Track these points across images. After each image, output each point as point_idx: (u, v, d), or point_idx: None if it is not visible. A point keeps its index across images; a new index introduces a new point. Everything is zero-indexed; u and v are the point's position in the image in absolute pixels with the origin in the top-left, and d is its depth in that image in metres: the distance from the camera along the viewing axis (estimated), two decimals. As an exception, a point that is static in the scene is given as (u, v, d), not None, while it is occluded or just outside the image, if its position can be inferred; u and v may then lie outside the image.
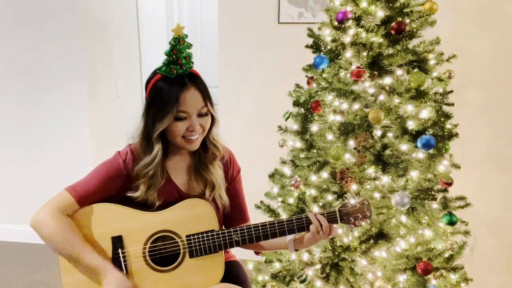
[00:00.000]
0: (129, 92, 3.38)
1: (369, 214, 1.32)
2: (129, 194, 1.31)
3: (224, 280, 1.34)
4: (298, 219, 1.30)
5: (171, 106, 1.22)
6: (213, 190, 1.38)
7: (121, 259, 1.29)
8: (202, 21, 4.01)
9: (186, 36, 1.26)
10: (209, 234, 1.30)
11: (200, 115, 1.27)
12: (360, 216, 1.31)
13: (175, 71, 1.24)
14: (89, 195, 1.28)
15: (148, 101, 1.28)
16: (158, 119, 1.24)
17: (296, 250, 1.38)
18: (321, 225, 1.28)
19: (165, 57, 1.25)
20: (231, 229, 1.30)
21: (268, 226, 1.30)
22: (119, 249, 1.28)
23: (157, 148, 1.28)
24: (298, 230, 1.30)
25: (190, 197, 1.36)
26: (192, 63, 1.29)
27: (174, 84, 1.23)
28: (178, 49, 1.24)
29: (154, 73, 1.29)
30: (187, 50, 1.26)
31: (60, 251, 1.24)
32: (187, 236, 1.30)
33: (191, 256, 1.30)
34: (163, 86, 1.24)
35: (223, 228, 1.50)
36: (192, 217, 1.31)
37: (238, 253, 1.59)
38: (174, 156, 1.38)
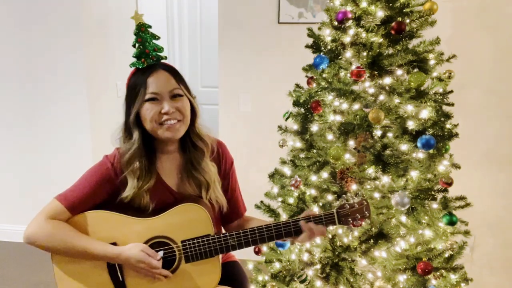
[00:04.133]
0: (129, 92, 3.38)
1: (368, 214, 1.30)
2: (121, 196, 1.28)
3: (223, 280, 1.34)
4: (295, 222, 1.26)
5: (139, 89, 1.23)
6: (208, 191, 1.34)
7: (117, 266, 1.28)
8: (202, 21, 4.01)
9: (150, 26, 1.26)
10: (205, 239, 1.27)
11: (173, 96, 1.25)
12: (359, 217, 1.28)
13: (145, 62, 1.25)
14: (80, 201, 1.26)
15: (125, 95, 1.29)
16: (131, 105, 1.25)
17: (292, 243, 1.37)
18: (314, 231, 1.25)
19: (134, 50, 1.26)
20: (227, 234, 1.28)
21: (264, 230, 1.27)
22: None
23: (136, 134, 1.27)
24: (295, 233, 1.27)
25: (184, 198, 1.34)
26: (164, 57, 1.28)
27: (144, 71, 1.24)
28: (142, 38, 1.24)
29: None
30: (154, 41, 1.26)
31: (65, 251, 1.23)
32: (182, 242, 1.28)
33: (187, 261, 1.29)
34: (135, 77, 1.26)
35: (220, 228, 1.49)
36: (186, 222, 1.29)
37: (238, 253, 1.58)
38: (164, 155, 1.35)
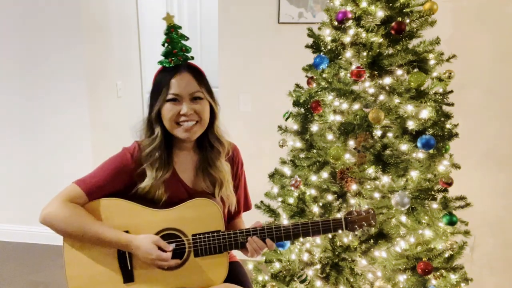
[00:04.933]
0: (129, 92, 3.38)
1: (373, 223, 1.35)
2: (139, 186, 1.32)
3: (224, 280, 1.34)
4: (313, 224, 1.31)
5: (162, 88, 1.27)
6: (221, 189, 1.39)
7: (127, 254, 1.30)
8: (202, 21, 4.01)
9: (180, 27, 1.29)
10: (215, 234, 1.30)
11: (193, 99, 1.29)
12: (365, 225, 1.34)
13: (172, 62, 1.28)
14: (98, 188, 1.29)
15: (150, 92, 1.33)
16: (154, 103, 1.29)
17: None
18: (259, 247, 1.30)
19: (163, 48, 1.28)
20: (237, 231, 1.31)
21: (274, 230, 1.30)
22: None
23: (158, 130, 1.31)
24: (303, 235, 1.31)
25: (197, 193, 1.38)
26: (192, 57, 1.31)
27: (170, 71, 1.28)
28: (171, 38, 1.28)
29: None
30: (182, 41, 1.29)
31: (79, 236, 1.25)
32: (193, 235, 1.30)
33: (196, 255, 1.31)
34: (161, 75, 1.30)
35: (229, 226, 1.52)
36: (199, 216, 1.32)
37: (239, 253, 1.59)
38: (180, 151, 1.39)
